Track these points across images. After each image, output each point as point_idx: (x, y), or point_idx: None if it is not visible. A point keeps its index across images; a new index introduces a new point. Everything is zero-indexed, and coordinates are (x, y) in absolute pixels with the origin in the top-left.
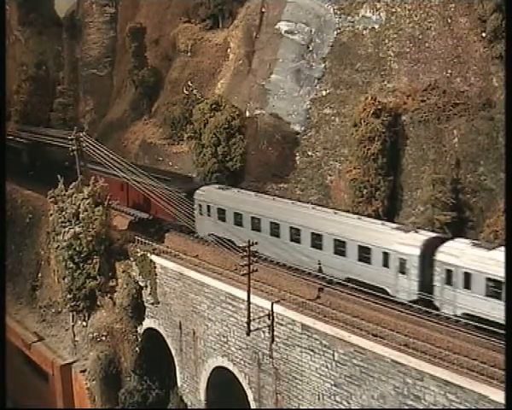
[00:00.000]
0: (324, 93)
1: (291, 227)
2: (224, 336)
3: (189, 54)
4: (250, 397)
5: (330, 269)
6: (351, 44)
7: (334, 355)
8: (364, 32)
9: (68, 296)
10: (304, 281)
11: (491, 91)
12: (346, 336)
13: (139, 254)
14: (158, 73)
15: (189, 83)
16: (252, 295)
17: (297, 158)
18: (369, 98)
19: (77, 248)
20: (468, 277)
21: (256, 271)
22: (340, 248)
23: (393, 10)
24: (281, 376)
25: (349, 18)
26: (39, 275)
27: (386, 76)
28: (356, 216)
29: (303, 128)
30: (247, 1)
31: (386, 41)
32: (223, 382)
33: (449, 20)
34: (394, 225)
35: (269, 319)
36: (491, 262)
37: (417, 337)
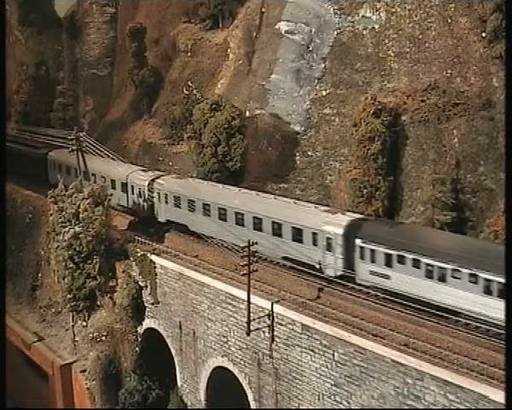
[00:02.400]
0: (324, 93)
1: (236, 212)
2: (224, 336)
3: (189, 54)
4: (250, 397)
5: (270, 249)
6: (351, 44)
7: (334, 355)
8: (364, 32)
9: (68, 296)
10: (304, 281)
11: (491, 91)
12: (346, 336)
13: (139, 254)
14: (158, 73)
15: (189, 83)
16: (252, 295)
17: (297, 158)
18: (369, 98)
19: (77, 248)
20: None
21: (256, 271)
22: (277, 229)
23: (393, 10)
24: (281, 376)
25: (349, 18)
26: (39, 275)
27: (386, 76)
28: (292, 200)
29: (303, 128)
30: (247, 1)
31: (386, 41)
32: (223, 382)
33: (449, 20)
34: (324, 208)
35: (269, 319)
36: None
37: (417, 337)
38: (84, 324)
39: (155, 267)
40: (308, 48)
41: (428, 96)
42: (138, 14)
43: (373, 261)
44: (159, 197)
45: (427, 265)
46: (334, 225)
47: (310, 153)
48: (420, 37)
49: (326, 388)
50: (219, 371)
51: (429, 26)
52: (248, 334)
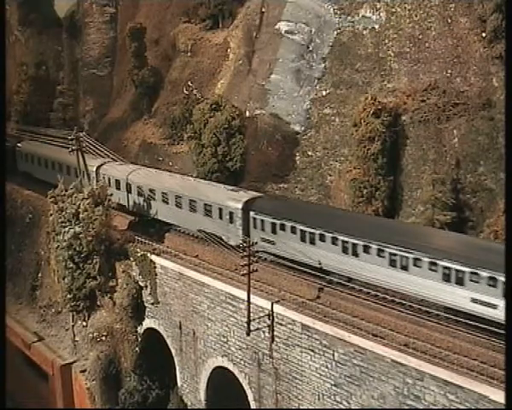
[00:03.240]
0: (324, 93)
1: (162, 192)
2: (224, 336)
3: (189, 54)
4: (250, 397)
5: (188, 223)
6: (351, 44)
7: (334, 355)
8: (364, 32)
9: (68, 296)
10: (304, 281)
11: (491, 91)
12: (346, 336)
13: (139, 254)
14: (158, 73)
15: (189, 83)
16: (252, 295)
17: (297, 158)
18: (369, 98)
19: (77, 248)
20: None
21: (256, 271)
22: (193, 206)
23: (393, 10)
24: (281, 376)
25: (349, 18)
26: (39, 275)
27: (386, 76)
28: (207, 182)
29: (303, 128)
30: (247, 1)
31: (386, 41)
32: (223, 382)
33: (449, 20)
34: (230, 188)
35: (269, 319)
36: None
37: (417, 337)
38: (84, 324)
39: (155, 267)
40: (308, 48)
41: (428, 96)
42: (138, 14)
43: (262, 230)
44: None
45: (302, 231)
46: (236, 201)
47: (310, 153)
48: (420, 37)
49: (326, 388)
50: (219, 371)
51: (429, 26)
52: (248, 334)
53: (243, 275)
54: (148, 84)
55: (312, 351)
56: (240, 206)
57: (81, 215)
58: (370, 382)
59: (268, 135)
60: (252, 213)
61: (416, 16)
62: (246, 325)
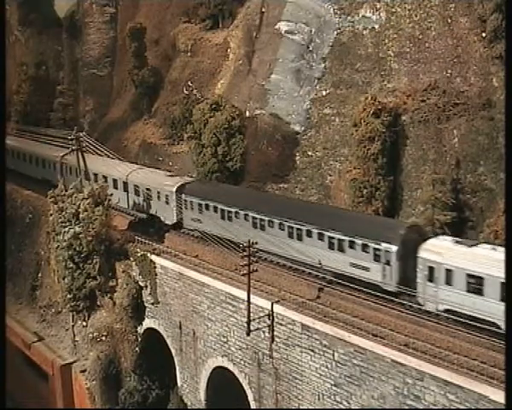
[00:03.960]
0: (324, 93)
1: (113, 179)
2: (224, 336)
3: (189, 54)
4: (250, 397)
5: (135, 207)
6: (351, 44)
7: (334, 355)
8: (364, 32)
9: (68, 296)
10: (304, 281)
11: (491, 91)
12: (346, 336)
13: (139, 254)
14: (158, 73)
15: (189, 83)
16: (252, 295)
17: (297, 158)
18: (369, 98)
19: (77, 248)
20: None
21: (256, 271)
22: (137, 191)
23: (393, 10)
24: (281, 376)
25: (349, 18)
26: (39, 275)
27: (386, 76)
28: (152, 169)
29: (303, 128)
30: (247, 1)
31: (386, 41)
32: (223, 382)
33: (449, 20)
34: (168, 174)
35: (269, 319)
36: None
37: (417, 337)
38: (84, 324)
39: (155, 267)
40: (308, 48)
41: (428, 96)
42: (138, 14)
43: (192, 209)
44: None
45: (222, 210)
46: (171, 185)
47: (310, 153)
48: (420, 37)
49: (326, 388)
50: (219, 371)
51: (429, 26)
52: (248, 334)
53: (243, 275)
54: (148, 84)
55: (312, 351)
56: (174, 189)
57: (81, 215)
58: (370, 382)
59: (268, 135)
60: (183, 196)
61: (416, 16)
62: (246, 325)
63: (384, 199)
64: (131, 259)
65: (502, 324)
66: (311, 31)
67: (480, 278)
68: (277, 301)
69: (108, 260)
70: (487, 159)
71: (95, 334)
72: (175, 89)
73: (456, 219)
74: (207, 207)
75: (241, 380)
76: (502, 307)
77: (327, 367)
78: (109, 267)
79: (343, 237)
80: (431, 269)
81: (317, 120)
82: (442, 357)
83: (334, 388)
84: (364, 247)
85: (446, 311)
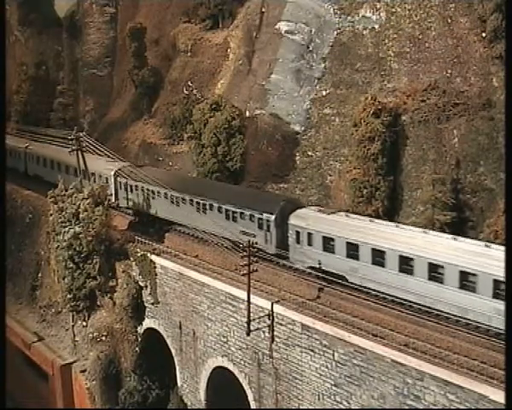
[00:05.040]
0: (324, 93)
1: (66, 166)
2: (224, 336)
3: (189, 54)
4: (250, 397)
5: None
6: (351, 44)
7: (334, 355)
8: (364, 32)
9: (68, 296)
10: (304, 281)
11: (491, 91)
12: (346, 336)
13: (139, 254)
14: (158, 73)
15: (189, 83)
16: (252, 295)
17: (297, 158)
18: (369, 98)
19: (77, 248)
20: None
21: (256, 271)
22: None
23: (393, 10)
24: (281, 376)
25: (349, 18)
26: (39, 275)
27: (386, 76)
28: (98, 157)
29: (303, 128)
30: (247, 1)
31: (386, 41)
32: (223, 382)
33: (449, 20)
34: (110, 160)
35: (269, 319)
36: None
37: (417, 337)
38: (84, 324)
39: (155, 267)
40: (308, 48)
41: (428, 96)
42: (138, 14)
43: (125, 190)
44: (28, 157)
45: (147, 189)
46: (110, 169)
47: (310, 153)
48: (420, 37)
49: (326, 388)
50: (219, 371)
51: (429, 26)
52: (248, 334)
53: (243, 275)
54: (148, 84)
55: (312, 351)
56: (112, 173)
57: (81, 215)
58: (370, 382)
59: (268, 135)
60: (117, 178)
61: (416, 16)
62: (246, 325)
63: (384, 199)
64: (131, 259)
65: (349, 276)
66: (311, 31)
67: (332, 239)
68: (277, 301)
69: (108, 260)
70: (487, 159)
71: (95, 334)
72: (175, 89)
73: (456, 219)
74: (136, 187)
75: (241, 380)
76: (347, 261)
77: (327, 367)
78: (109, 267)
79: (235, 209)
80: (298, 233)
81: (317, 120)
82: (442, 357)
83: (334, 388)
84: (251, 217)
85: (310, 267)
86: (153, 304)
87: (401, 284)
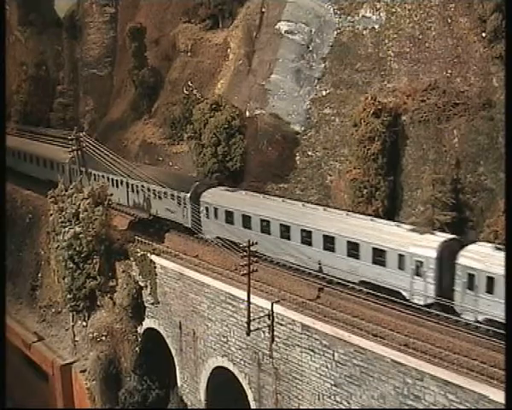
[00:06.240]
0: (324, 93)
1: (36, 157)
2: (224, 336)
3: (189, 54)
4: (250, 397)
5: (43, 176)
6: (351, 44)
7: (334, 355)
8: (364, 32)
9: (68, 296)
10: (304, 281)
11: (491, 91)
12: (346, 336)
13: (139, 254)
14: (158, 73)
15: (189, 83)
16: (252, 295)
17: (297, 158)
18: (369, 98)
19: (77, 248)
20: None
21: (256, 271)
22: (43, 164)
23: (393, 10)
24: (281, 376)
25: (349, 18)
26: (39, 275)
27: (386, 76)
28: (48, 145)
29: (303, 128)
30: (247, 1)
31: (386, 41)
32: (223, 382)
33: (449, 20)
34: (68, 150)
35: (269, 319)
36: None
37: (417, 337)
38: (84, 324)
39: (155, 267)
40: (308, 48)
41: (428, 96)
42: (138, 14)
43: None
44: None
45: (108, 178)
46: (64, 157)
47: (310, 153)
48: (420, 37)
49: (326, 388)
50: (219, 371)
51: (429, 26)
52: (248, 334)
53: (243, 275)
54: (148, 84)
55: (312, 351)
56: (67, 160)
57: (81, 215)
58: (370, 382)
59: (268, 135)
60: (73, 166)
61: (416, 16)
62: (246, 325)
63: (384, 199)
64: (131, 259)
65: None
66: (311, 31)
67: (231, 212)
68: (277, 301)
69: (108, 260)
70: (487, 159)
71: (95, 334)
72: (175, 89)
73: (456, 219)
74: (90, 174)
75: (241, 380)
76: (243, 230)
77: (327, 367)
78: (109, 267)
79: (160, 190)
80: (207, 208)
81: (317, 120)
82: (442, 357)
83: (334, 388)
84: (172, 196)
85: (217, 238)
86: (153, 304)
87: (283, 247)
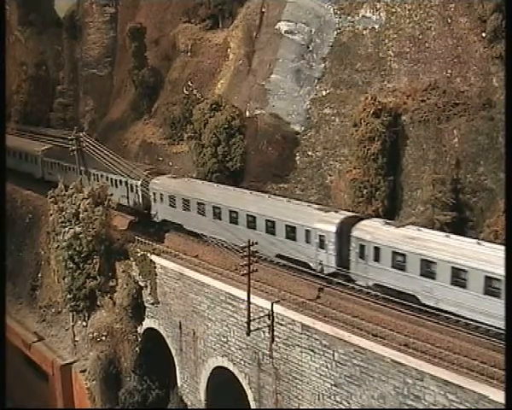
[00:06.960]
0: (324, 93)
1: (13, 151)
2: (224, 336)
3: (189, 54)
4: (250, 397)
5: (31, 169)
6: (351, 44)
7: (334, 355)
8: (364, 32)
9: (68, 296)
10: (304, 281)
11: (491, 91)
12: (346, 336)
13: (139, 254)
14: (158, 73)
15: (189, 83)
16: (252, 295)
17: (297, 158)
18: (369, 98)
19: (77, 248)
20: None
21: (256, 271)
22: (26, 158)
23: (393, 10)
24: (281, 376)
25: (349, 18)
26: (39, 275)
27: (386, 76)
28: (30, 140)
29: (303, 128)
30: (247, 1)
31: (386, 41)
32: (223, 382)
33: (449, 20)
34: (38, 143)
35: (269, 319)
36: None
37: (417, 337)
38: (84, 324)
39: (155, 267)
40: (308, 48)
41: (428, 96)
42: (138, 14)
43: (49, 167)
44: None
45: (64, 166)
46: (38, 151)
47: (310, 153)
48: (420, 37)
49: (326, 388)
50: (219, 371)
51: (429, 26)
52: (248, 334)
53: (243, 275)
54: (148, 84)
55: (312, 351)
56: (40, 153)
57: (81, 215)
58: (370, 382)
59: (268, 135)
60: (44, 158)
61: (416, 16)
62: (246, 325)
63: (384, 199)
64: (131, 259)
65: (185, 224)
66: (311, 31)
67: (174, 197)
68: (277, 301)
69: (108, 260)
70: (487, 159)
71: (95, 334)
72: (175, 89)
73: (457, 219)
74: (56, 164)
75: (241, 380)
76: (183, 212)
77: (327, 367)
78: (109, 267)
79: (115, 178)
80: (154, 194)
81: (317, 120)
82: (442, 357)
83: (334, 388)
84: (126, 183)
85: (163, 221)
86: (153, 304)
87: (215, 226)
